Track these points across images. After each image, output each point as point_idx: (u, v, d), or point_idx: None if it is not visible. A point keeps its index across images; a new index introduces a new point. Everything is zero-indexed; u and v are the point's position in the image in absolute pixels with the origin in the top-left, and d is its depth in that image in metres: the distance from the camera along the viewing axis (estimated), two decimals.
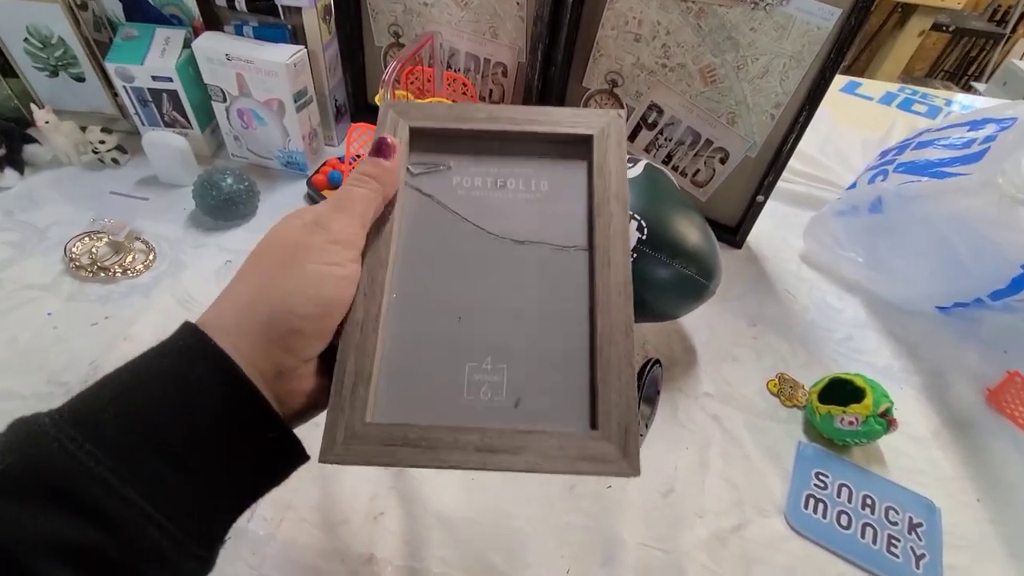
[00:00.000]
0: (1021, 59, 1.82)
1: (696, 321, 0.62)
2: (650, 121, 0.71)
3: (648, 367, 0.49)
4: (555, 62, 0.69)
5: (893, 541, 0.45)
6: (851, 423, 0.48)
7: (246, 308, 0.23)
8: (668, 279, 0.49)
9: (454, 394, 0.25)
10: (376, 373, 0.25)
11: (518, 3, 0.68)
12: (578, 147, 0.31)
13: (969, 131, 0.66)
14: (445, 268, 0.28)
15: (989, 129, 0.64)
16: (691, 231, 0.50)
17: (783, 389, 0.56)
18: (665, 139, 0.71)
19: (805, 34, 0.57)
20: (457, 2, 0.70)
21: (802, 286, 0.69)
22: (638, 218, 0.48)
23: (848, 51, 0.56)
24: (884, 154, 0.75)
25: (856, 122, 1.03)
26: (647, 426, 0.51)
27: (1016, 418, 0.56)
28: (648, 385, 0.50)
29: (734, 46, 0.61)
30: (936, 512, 0.47)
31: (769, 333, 0.62)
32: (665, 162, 0.73)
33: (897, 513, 0.46)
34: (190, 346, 0.21)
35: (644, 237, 0.48)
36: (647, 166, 0.53)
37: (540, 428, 0.24)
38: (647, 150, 0.73)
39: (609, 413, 0.24)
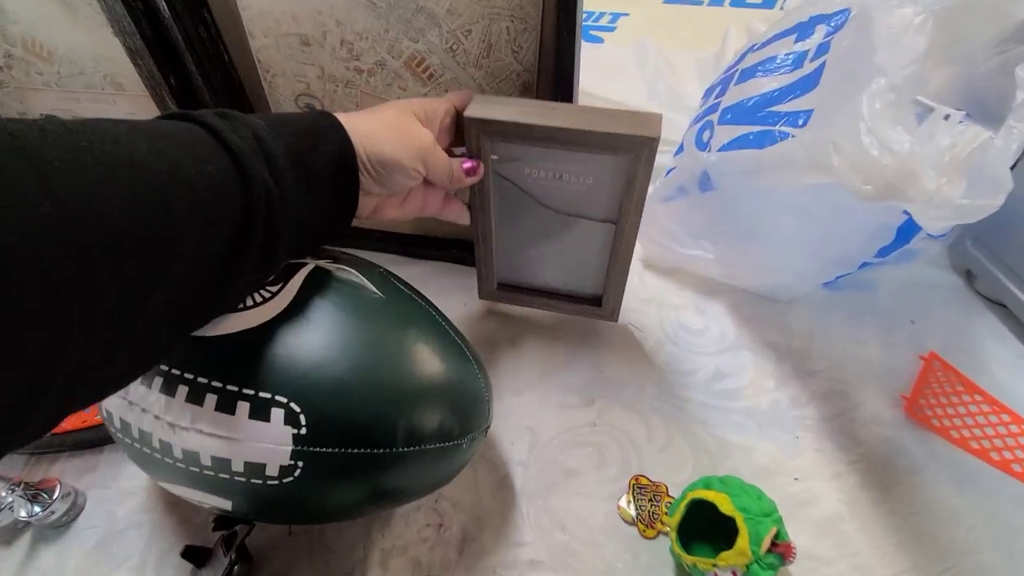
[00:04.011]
0: None
1: (506, 433, 0.43)
2: None
3: None
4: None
5: None
6: None
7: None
8: (390, 470, 0.29)
9: (536, 277, 0.47)
10: (496, 266, 0.46)
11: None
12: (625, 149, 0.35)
13: (797, 41, 0.48)
14: (523, 224, 0.42)
15: (819, 34, 0.46)
16: (414, 373, 0.30)
17: (640, 509, 0.38)
18: None
19: None
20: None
21: (649, 310, 0.51)
22: (291, 405, 0.27)
23: None
24: (708, 94, 0.57)
25: (686, 39, 0.84)
26: None
27: (946, 431, 0.41)
28: None
29: (432, 21, 0.39)
30: None
31: (613, 408, 0.44)
32: None
33: None
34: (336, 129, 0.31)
35: (306, 432, 0.27)
36: (318, 283, 0.32)
37: (576, 293, 0.47)
38: None
39: (608, 300, 0.46)
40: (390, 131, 0.32)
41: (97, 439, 0.44)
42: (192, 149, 0.23)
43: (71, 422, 0.43)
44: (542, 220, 0.41)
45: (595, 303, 0.47)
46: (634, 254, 0.57)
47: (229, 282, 0.25)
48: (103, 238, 0.18)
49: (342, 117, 0.31)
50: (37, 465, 0.43)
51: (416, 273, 0.46)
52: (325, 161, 0.29)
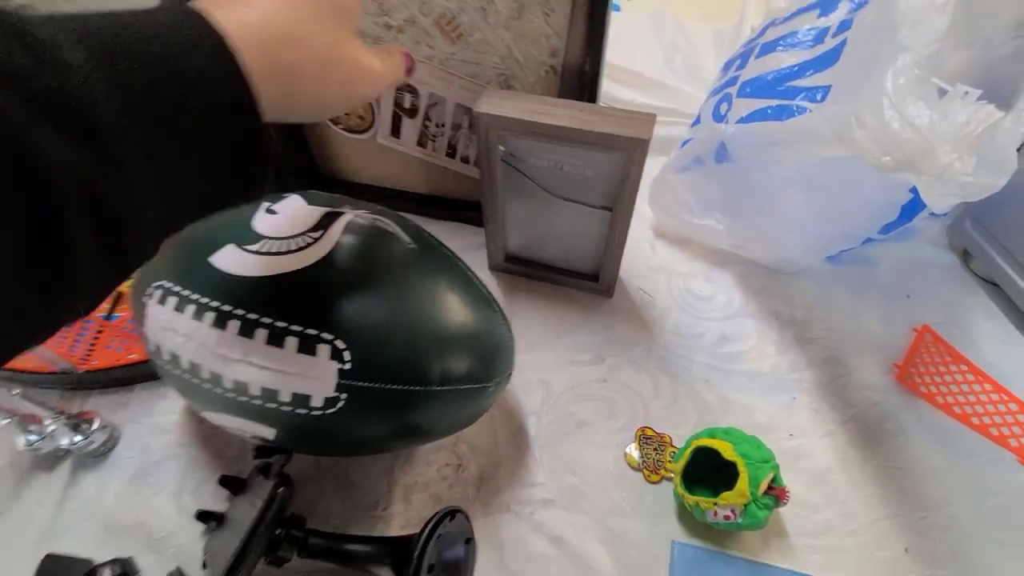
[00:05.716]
0: None
1: (522, 386, 0.45)
2: (407, 106, 0.50)
3: (433, 526, 0.33)
4: None
5: None
6: (727, 517, 0.34)
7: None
8: (422, 407, 0.31)
9: (540, 253, 0.51)
10: (504, 242, 0.50)
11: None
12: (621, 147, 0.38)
13: (820, 16, 0.49)
14: (528, 206, 0.46)
15: (842, 10, 0.47)
16: (446, 319, 0.32)
17: (646, 457, 0.41)
18: (436, 125, 0.51)
19: None
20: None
21: (659, 278, 0.53)
22: (336, 342, 0.29)
23: None
24: (727, 67, 0.57)
25: (703, 10, 0.84)
26: None
27: (932, 397, 0.44)
28: (445, 548, 0.34)
29: None
30: None
31: (623, 367, 0.46)
32: (450, 154, 0.53)
33: None
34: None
35: (350, 367, 0.29)
36: (357, 231, 0.33)
37: (577, 270, 0.50)
38: (421, 144, 0.53)
39: (605, 277, 0.49)
40: (326, 74, 0.23)
41: (127, 377, 0.46)
42: None
43: (105, 360, 0.45)
44: (545, 203, 0.45)
45: (594, 279, 0.50)
46: (647, 223, 0.59)
47: (39, 304, 0.17)
48: None
49: (232, 26, 0.19)
50: (71, 401, 0.45)
51: (432, 232, 0.47)
52: (204, 115, 0.19)
